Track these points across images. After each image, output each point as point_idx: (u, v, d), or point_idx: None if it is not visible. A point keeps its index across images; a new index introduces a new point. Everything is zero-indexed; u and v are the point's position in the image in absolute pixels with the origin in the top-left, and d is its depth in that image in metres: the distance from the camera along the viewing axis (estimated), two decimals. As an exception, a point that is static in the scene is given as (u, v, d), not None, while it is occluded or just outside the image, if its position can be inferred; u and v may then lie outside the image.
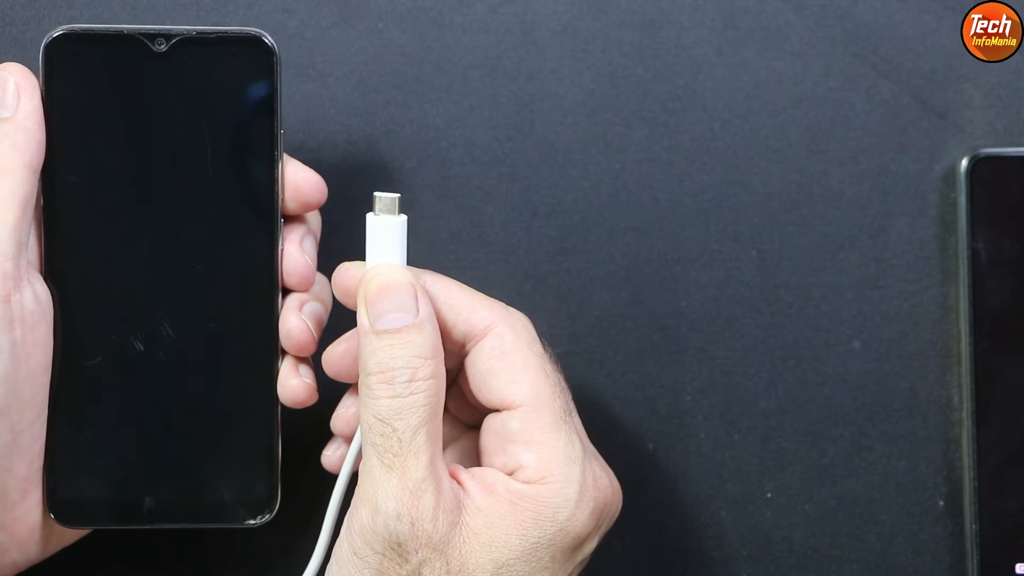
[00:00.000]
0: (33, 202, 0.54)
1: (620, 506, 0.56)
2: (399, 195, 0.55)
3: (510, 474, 0.53)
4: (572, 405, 0.55)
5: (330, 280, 0.57)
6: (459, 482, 0.53)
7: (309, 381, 0.57)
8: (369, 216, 0.55)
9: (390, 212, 0.55)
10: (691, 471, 0.64)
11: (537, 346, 0.55)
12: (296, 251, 0.56)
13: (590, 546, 0.54)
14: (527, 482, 0.52)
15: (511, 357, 0.54)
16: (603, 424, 0.63)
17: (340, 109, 0.63)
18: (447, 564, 0.51)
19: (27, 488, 0.55)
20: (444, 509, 0.51)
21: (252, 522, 0.57)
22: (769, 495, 0.64)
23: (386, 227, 0.55)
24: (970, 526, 0.63)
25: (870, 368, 0.64)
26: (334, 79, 0.63)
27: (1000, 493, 0.63)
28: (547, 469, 0.52)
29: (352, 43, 0.63)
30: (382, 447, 0.52)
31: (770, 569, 0.64)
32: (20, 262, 0.53)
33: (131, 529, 0.58)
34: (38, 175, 0.54)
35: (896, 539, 0.64)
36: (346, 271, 0.56)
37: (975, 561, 0.63)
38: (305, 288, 0.57)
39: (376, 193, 0.55)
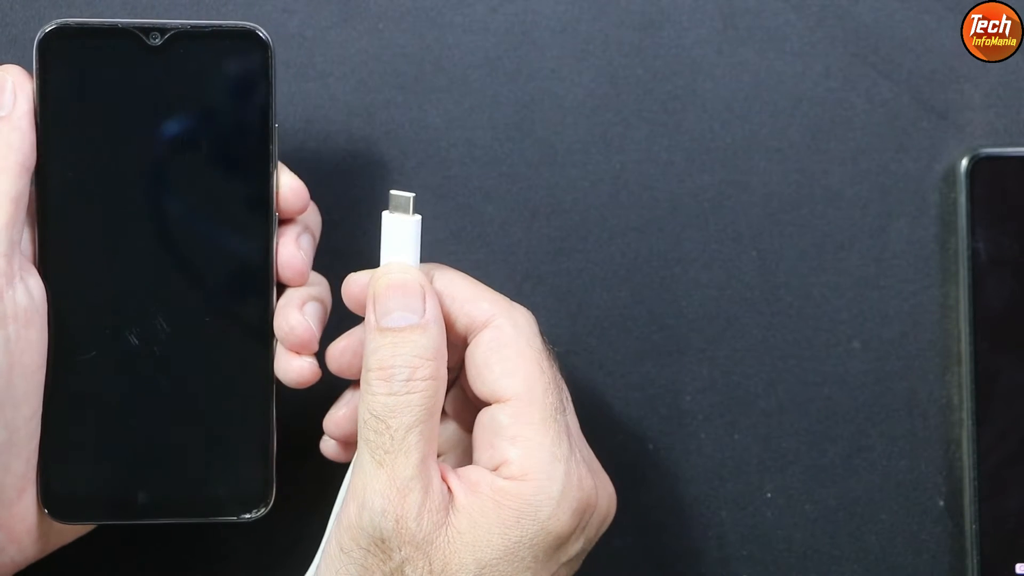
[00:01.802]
0: (26, 200, 0.54)
1: (612, 511, 0.56)
2: (414, 195, 0.55)
3: (495, 469, 0.53)
4: (567, 404, 0.55)
5: (335, 286, 0.57)
6: (446, 483, 0.52)
7: (311, 359, 0.56)
8: (384, 214, 0.55)
9: (404, 211, 0.55)
10: (691, 471, 0.64)
11: (537, 341, 0.55)
12: (291, 245, 0.56)
13: (574, 547, 0.54)
14: (510, 478, 0.52)
15: (507, 350, 0.54)
16: (603, 424, 0.63)
17: (340, 109, 0.63)
18: (430, 564, 0.51)
19: (24, 486, 0.55)
20: (430, 509, 0.51)
21: (247, 516, 0.57)
22: (769, 495, 0.64)
23: (400, 226, 0.55)
24: (970, 526, 0.63)
25: (870, 368, 0.64)
26: (334, 79, 0.63)
27: (1000, 493, 0.62)
28: (530, 465, 0.52)
29: (352, 43, 0.63)
30: (374, 443, 0.52)
31: (770, 569, 0.64)
32: (13, 259, 0.53)
33: (126, 524, 0.58)
34: (31, 173, 0.54)
35: (896, 539, 0.64)
36: (356, 281, 0.56)
37: (975, 561, 0.62)
38: (300, 282, 0.56)
39: (391, 191, 0.55)
